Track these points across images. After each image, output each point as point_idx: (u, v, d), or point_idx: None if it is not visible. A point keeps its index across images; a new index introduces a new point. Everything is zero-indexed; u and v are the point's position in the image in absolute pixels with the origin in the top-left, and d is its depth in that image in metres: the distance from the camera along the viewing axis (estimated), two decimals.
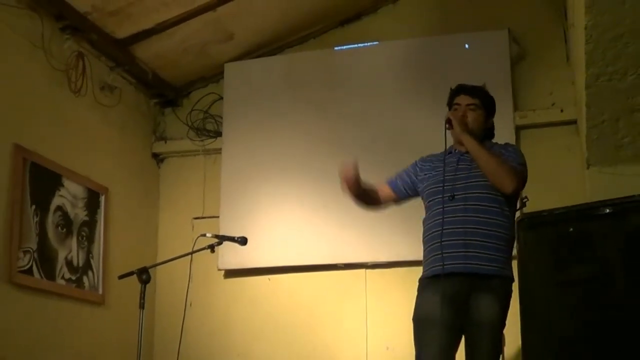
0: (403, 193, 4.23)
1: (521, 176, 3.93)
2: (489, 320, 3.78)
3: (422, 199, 4.14)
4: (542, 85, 5.90)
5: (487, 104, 4.14)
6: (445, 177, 3.97)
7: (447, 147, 4.07)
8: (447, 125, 4.02)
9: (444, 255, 3.83)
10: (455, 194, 3.91)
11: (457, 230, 3.86)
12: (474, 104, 4.08)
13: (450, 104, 4.15)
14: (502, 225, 3.89)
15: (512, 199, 3.97)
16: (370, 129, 6.03)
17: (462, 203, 3.88)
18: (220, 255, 5.99)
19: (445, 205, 3.90)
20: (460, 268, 3.81)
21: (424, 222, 4.07)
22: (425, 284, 3.94)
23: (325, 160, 6.04)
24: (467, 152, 3.99)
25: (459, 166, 3.99)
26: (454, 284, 3.80)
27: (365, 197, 4.22)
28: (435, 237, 3.90)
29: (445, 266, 3.81)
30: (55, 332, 5.19)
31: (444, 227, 3.87)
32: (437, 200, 3.96)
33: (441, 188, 3.95)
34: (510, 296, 3.90)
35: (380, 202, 4.29)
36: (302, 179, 6.11)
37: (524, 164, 3.98)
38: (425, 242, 4.01)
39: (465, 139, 3.95)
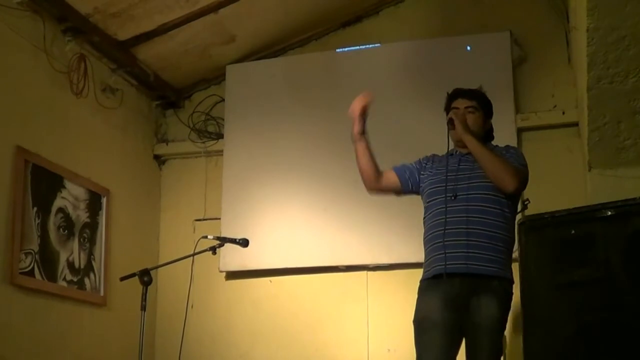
0: (407, 186, 4.19)
1: (522, 176, 3.94)
2: (490, 322, 3.78)
3: (422, 198, 4.14)
4: (544, 87, 5.90)
5: (484, 106, 4.15)
6: (447, 177, 3.97)
7: (449, 149, 4.08)
8: (449, 126, 4.03)
9: (446, 255, 3.83)
10: (457, 194, 3.92)
11: (459, 230, 3.86)
12: (472, 107, 4.09)
13: (447, 109, 4.16)
14: (502, 227, 3.89)
15: (513, 200, 3.98)
16: (372, 130, 5.95)
17: (465, 203, 3.89)
18: (221, 257, 5.99)
19: (447, 205, 3.91)
20: (461, 269, 3.81)
21: (424, 222, 4.07)
22: (425, 285, 3.94)
23: (326, 162, 6.04)
24: (468, 154, 4.00)
25: (461, 166, 4.00)
26: (454, 285, 3.80)
27: (368, 155, 4.14)
28: (437, 237, 3.90)
29: (447, 266, 3.82)
30: (57, 333, 5.19)
31: (447, 227, 3.87)
32: (438, 200, 3.97)
33: (443, 188, 3.96)
34: (510, 298, 3.90)
35: (378, 178, 4.17)
36: (304, 181, 6.12)
37: (525, 165, 3.99)
38: (426, 241, 4.01)
39: (467, 139, 3.96)
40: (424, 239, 4.04)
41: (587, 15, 3.94)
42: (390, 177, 4.21)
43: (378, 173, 4.18)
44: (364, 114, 4.11)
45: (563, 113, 5.78)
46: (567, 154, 5.72)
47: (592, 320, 4.06)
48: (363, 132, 4.14)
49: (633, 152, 5.00)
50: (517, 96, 5.86)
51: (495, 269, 3.83)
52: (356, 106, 4.10)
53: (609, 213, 4.17)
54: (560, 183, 5.59)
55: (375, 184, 4.21)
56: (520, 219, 4.35)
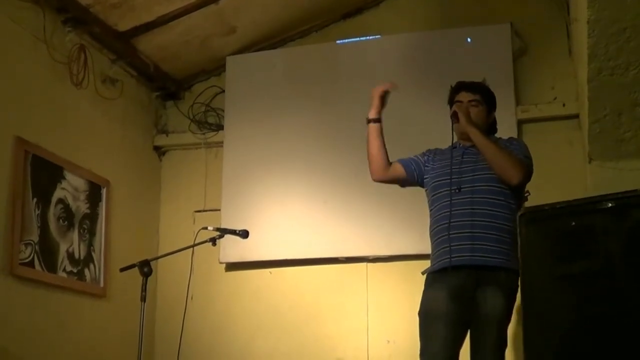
0: (413, 178, 4.21)
1: (527, 168, 3.95)
2: (495, 314, 3.80)
3: (426, 191, 4.14)
4: (544, 79, 5.90)
5: (488, 99, 4.16)
6: (452, 170, 3.98)
7: (453, 142, 4.09)
8: (453, 120, 4.03)
9: (451, 248, 3.84)
10: (461, 186, 3.92)
11: (464, 222, 3.87)
12: (475, 100, 4.10)
13: (451, 102, 4.17)
14: (507, 218, 3.91)
15: (517, 191, 3.99)
16: None
17: (469, 196, 3.90)
18: (221, 249, 5.99)
19: (452, 198, 3.91)
20: (466, 261, 3.83)
21: (430, 215, 4.08)
22: (432, 278, 3.96)
23: (326, 153, 6.04)
24: (471, 146, 4.00)
25: (464, 159, 4.01)
26: (460, 277, 3.81)
27: (380, 140, 4.20)
28: (442, 230, 3.92)
29: (452, 259, 3.82)
30: (57, 324, 5.20)
31: (452, 220, 3.88)
32: (443, 193, 3.98)
33: (447, 181, 3.97)
34: (516, 290, 3.91)
35: (386, 167, 4.21)
36: (304, 172, 6.12)
37: (529, 157, 4.01)
38: (432, 235, 4.02)
39: (471, 132, 3.96)
40: (430, 232, 4.06)
41: (587, 7, 3.93)
42: (397, 168, 4.23)
43: (386, 161, 4.21)
44: (383, 98, 4.13)
45: (563, 105, 5.78)
46: (568, 146, 5.72)
47: (592, 313, 4.05)
48: (379, 117, 4.16)
49: (633, 145, 5.00)
50: (518, 88, 5.85)
51: (501, 260, 3.84)
52: (378, 89, 4.11)
53: (609, 205, 4.15)
54: (561, 175, 5.59)
55: (382, 172, 4.23)
56: (520, 211, 4.36)
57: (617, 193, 4.19)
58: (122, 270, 4.67)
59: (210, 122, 6.61)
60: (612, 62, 4.32)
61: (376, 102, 4.17)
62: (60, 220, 5.34)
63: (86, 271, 5.55)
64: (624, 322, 3.92)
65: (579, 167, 5.49)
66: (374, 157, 4.20)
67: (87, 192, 5.65)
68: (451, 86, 4.23)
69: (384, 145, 4.19)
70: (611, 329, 3.95)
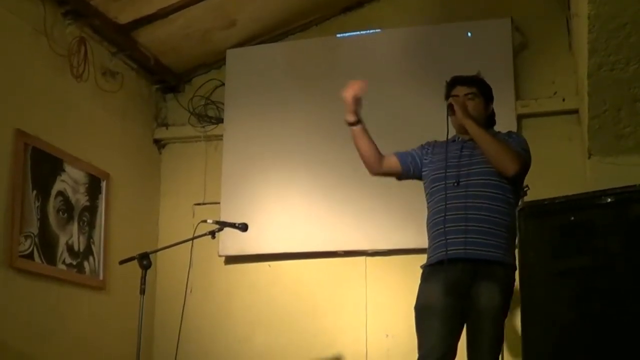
0: (409, 171, 4.18)
1: (523, 160, 3.94)
2: (491, 308, 3.79)
3: (425, 184, 4.14)
4: (544, 74, 5.89)
5: (484, 91, 4.14)
6: (449, 164, 3.97)
7: (452, 136, 4.08)
8: (449, 111, 4.03)
9: (447, 241, 3.84)
10: (460, 180, 3.92)
11: (458, 216, 3.86)
12: (471, 93, 4.09)
13: (447, 97, 4.15)
14: (504, 212, 3.90)
15: (516, 186, 3.98)
16: (372, 116, 5.91)
17: (464, 189, 3.89)
18: (220, 242, 5.99)
19: (448, 192, 3.91)
20: (461, 254, 3.82)
21: (428, 209, 4.08)
22: (428, 272, 3.95)
23: (326, 147, 6.04)
24: (470, 140, 4.00)
25: (463, 153, 4.00)
26: (456, 271, 3.80)
27: (365, 140, 4.15)
28: (438, 223, 3.91)
29: (449, 252, 3.82)
30: (56, 317, 5.20)
31: (447, 213, 3.88)
32: (440, 186, 3.97)
33: (443, 174, 3.96)
34: (512, 284, 3.91)
35: (379, 161, 4.17)
36: (303, 166, 6.11)
37: (526, 150, 3.99)
38: (429, 228, 4.02)
39: (467, 123, 3.95)
40: (427, 225, 4.05)
41: (588, 2, 3.93)
42: (392, 162, 4.20)
43: (378, 156, 4.18)
44: (356, 101, 4.11)
45: (563, 100, 5.78)
46: (567, 141, 5.72)
47: (591, 307, 4.06)
48: (357, 119, 4.13)
49: (633, 140, 5.00)
50: (518, 83, 5.85)
51: (496, 254, 3.83)
52: (348, 94, 4.10)
53: (609, 200, 4.16)
54: (560, 170, 5.59)
55: (376, 168, 4.21)
56: (519, 206, 4.37)
57: (616, 188, 4.20)
58: (121, 262, 4.68)
59: (210, 115, 6.61)
60: (612, 57, 4.33)
61: (350, 106, 4.14)
62: (60, 213, 5.34)
63: (85, 264, 5.56)
64: (623, 318, 3.92)
65: (579, 162, 5.50)
66: (364, 156, 4.18)
67: (87, 185, 5.65)
68: (446, 81, 4.21)
69: (371, 142, 4.16)
70: (610, 325, 3.96)
